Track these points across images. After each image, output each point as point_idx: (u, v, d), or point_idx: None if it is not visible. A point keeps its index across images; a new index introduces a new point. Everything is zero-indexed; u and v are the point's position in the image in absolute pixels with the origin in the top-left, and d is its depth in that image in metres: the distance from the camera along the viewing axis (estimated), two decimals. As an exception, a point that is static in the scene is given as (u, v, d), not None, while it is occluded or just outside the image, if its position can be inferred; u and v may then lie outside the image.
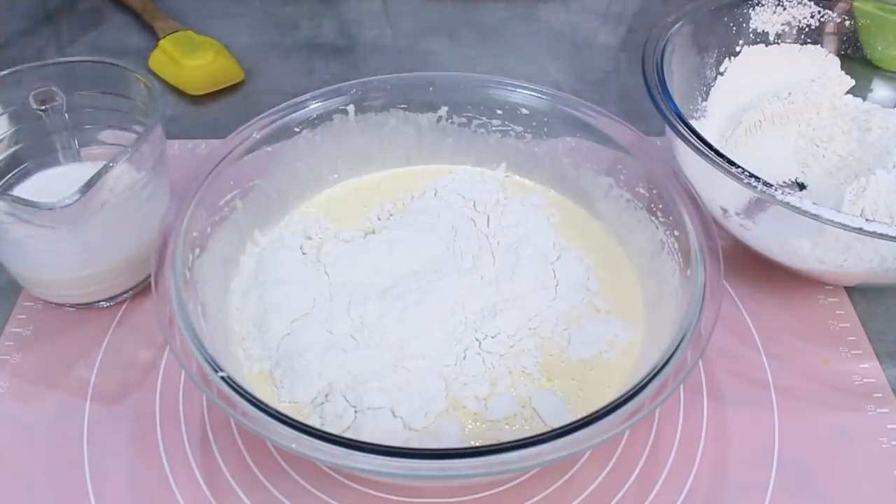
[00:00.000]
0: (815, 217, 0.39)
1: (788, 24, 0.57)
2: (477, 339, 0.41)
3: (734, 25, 0.56)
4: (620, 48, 0.74)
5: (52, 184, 0.47)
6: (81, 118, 0.48)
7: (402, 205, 0.49)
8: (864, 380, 0.44)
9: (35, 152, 0.47)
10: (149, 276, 0.42)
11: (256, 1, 0.78)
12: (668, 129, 0.46)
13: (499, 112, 0.49)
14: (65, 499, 0.38)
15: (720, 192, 0.46)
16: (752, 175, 0.41)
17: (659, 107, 0.46)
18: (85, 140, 0.48)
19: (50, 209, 0.38)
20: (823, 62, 0.57)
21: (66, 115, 0.47)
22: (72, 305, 0.46)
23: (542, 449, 0.30)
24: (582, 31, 0.75)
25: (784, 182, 0.54)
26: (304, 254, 0.45)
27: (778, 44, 0.57)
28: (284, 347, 0.40)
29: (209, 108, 0.64)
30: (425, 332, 0.40)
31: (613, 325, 0.42)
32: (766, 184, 0.40)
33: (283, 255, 0.44)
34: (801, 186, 0.54)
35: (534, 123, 0.48)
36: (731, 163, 0.42)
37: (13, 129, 0.46)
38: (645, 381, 0.33)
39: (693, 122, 0.47)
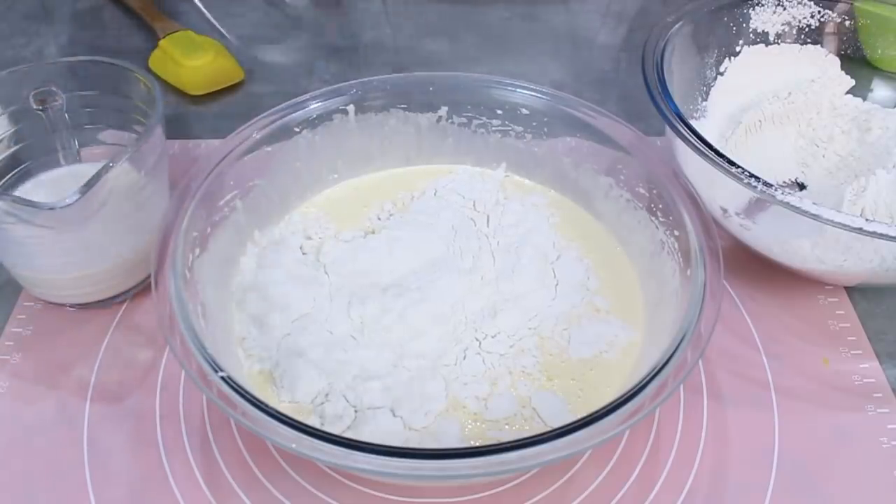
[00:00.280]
0: (815, 217, 0.39)
1: (788, 24, 0.57)
2: (477, 339, 0.41)
3: (734, 25, 0.56)
4: (620, 48, 0.74)
5: (51, 184, 0.47)
6: (81, 118, 0.48)
7: (402, 205, 0.49)
8: (864, 380, 0.44)
9: (35, 152, 0.47)
10: (149, 276, 0.42)
11: (256, 1, 0.78)
12: (668, 129, 0.46)
13: (499, 112, 0.49)
14: (65, 499, 0.38)
15: (720, 192, 0.46)
16: (752, 175, 0.41)
17: (659, 107, 0.46)
18: (85, 140, 0.48)
19: (50, 209, 0.38)
20: (823, 62, 0.57)
21: (66, 115, 0.47)
22: (72, 305, 0.46)
23: (542, 449, 0.30)
24: (582, 31, 0.75)
25: (784, 182, 0.54)
26: (304, 254, 0.45)
27: (778, 44, 0.57)
28: (284, 347, 0.40)
29: (209, 108, 0.64)
30: (425, 332, 0.40)
31: (613, 325, 0.42)
32: (766, 184, 0.40)
33: (283, 256, 0.44)
34: (801, 186, 0.54)
35: (534, 123, 0.48)
36: (731, 163, 0.42)
37: (13, 129, 0.46)
38: (645, 381, 0.33)
39: (693, 122, 0.47)
